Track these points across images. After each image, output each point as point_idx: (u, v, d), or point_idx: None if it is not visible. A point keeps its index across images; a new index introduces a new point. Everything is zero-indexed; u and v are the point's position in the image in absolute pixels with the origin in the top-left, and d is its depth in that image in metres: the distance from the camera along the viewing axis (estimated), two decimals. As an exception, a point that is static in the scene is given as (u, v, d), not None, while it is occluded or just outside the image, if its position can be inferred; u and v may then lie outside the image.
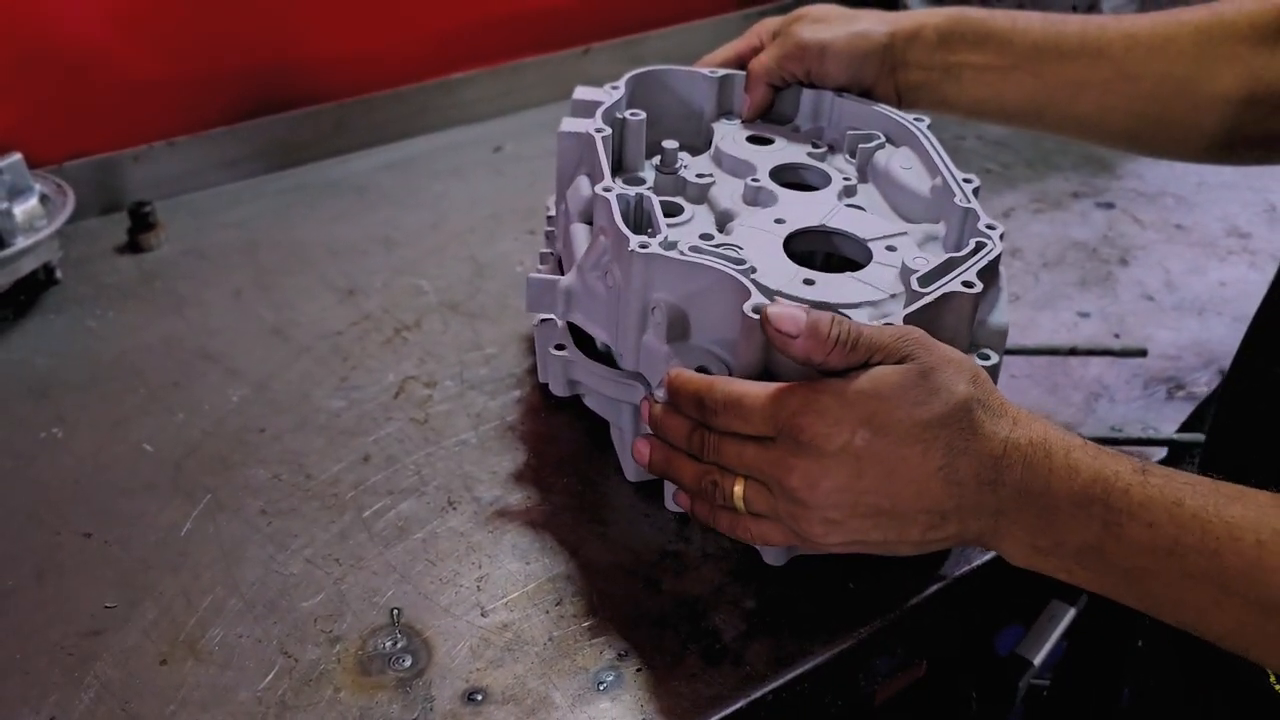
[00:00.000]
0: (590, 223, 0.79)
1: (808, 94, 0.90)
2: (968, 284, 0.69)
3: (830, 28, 0.87)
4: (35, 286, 1.00)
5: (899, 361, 0.62)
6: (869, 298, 0.70)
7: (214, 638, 0.69)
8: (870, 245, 0.75)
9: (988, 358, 0.71)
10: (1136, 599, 0.59)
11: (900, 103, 0.89)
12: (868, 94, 0.89)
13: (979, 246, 0.72)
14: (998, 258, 0.72)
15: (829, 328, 0.61)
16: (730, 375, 0.68)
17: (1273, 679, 0.63)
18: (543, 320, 0.81)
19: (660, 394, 0.70)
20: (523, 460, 0.83)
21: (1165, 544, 0.56)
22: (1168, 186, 1.22)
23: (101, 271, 1.04)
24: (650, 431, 0.71)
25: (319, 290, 1.02)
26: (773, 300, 0.67)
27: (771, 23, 0.92)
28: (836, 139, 0.89)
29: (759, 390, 0.63)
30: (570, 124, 0.85)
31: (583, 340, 0.80)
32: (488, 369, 0.92)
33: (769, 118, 0.92)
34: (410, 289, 1.02)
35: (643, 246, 0.69)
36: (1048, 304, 1.03)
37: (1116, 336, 1.00)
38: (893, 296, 0.70)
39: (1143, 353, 0.94)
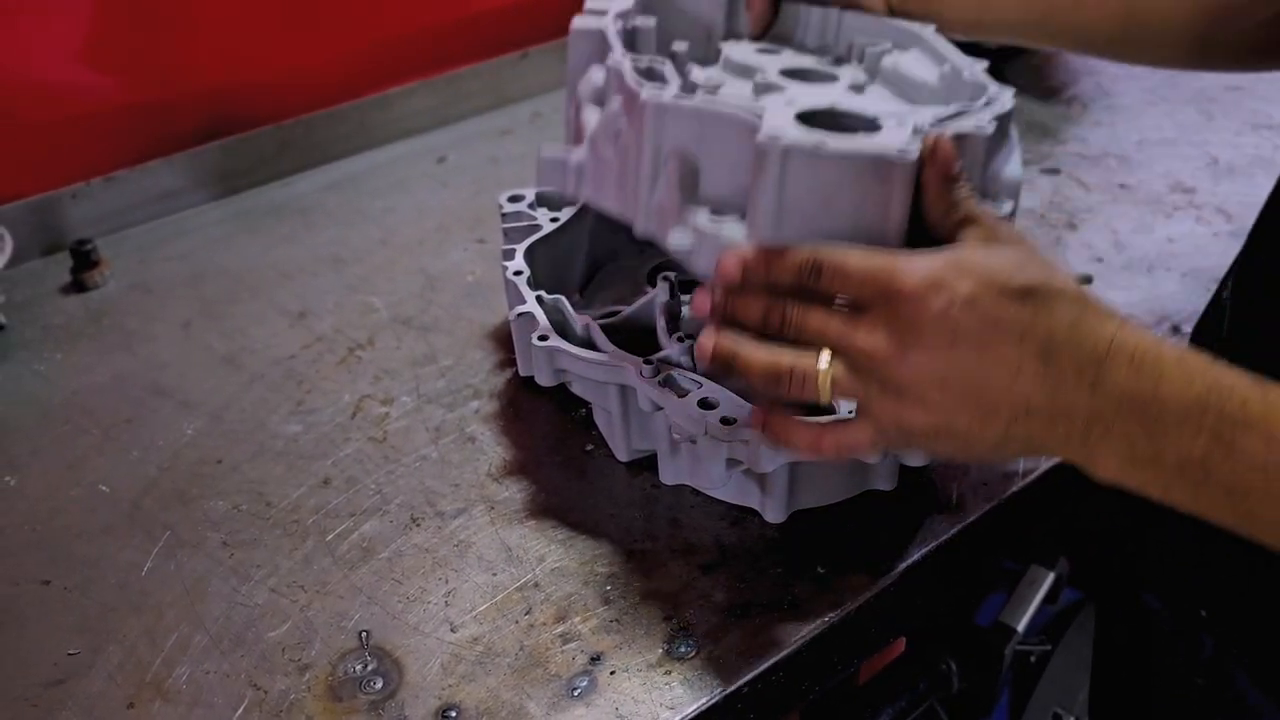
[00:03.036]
0: (603, 104, 0.76)
1: (813, 11, 0.87)
2: (979, 126, 0.66)
3: None
4: (-21, 334, 0.99)
5: (994, 246, 0.60)
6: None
7: (180, 676, 0.68)
8: (879, 121, 0.72)
9: (1003, 205, 0.69)
10: (1235, 519, 0.55)
11: (889, 11, 0.86)
12: (853, 5, 0.87)
13: (989, 101, 0.70)
14: (1009, 114, 0.70)
15: (951, 158, 0.61)
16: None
17: None
18: (519, 315, 0.81)
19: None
20: (484, 471, 0.83)
21: (1278, 461, 0.52)
22: (1110, 148, 1.23)
23: (47, 313, 1.03)
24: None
25: (269, 315, 1.01)
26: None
27: None
28: (844, 52, 0.87)
29: (860, 252, 0.60)
30: (582, 21, 0.81)
31: (560, 329, 0.80)
32: (444, 381, 0.92)
33: (776, 38, 0.90)
34: (362, 307, 1.01)
35: (655, 96, 0.67)
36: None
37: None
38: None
39: (1088, 280, 0.95)
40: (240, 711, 0.66)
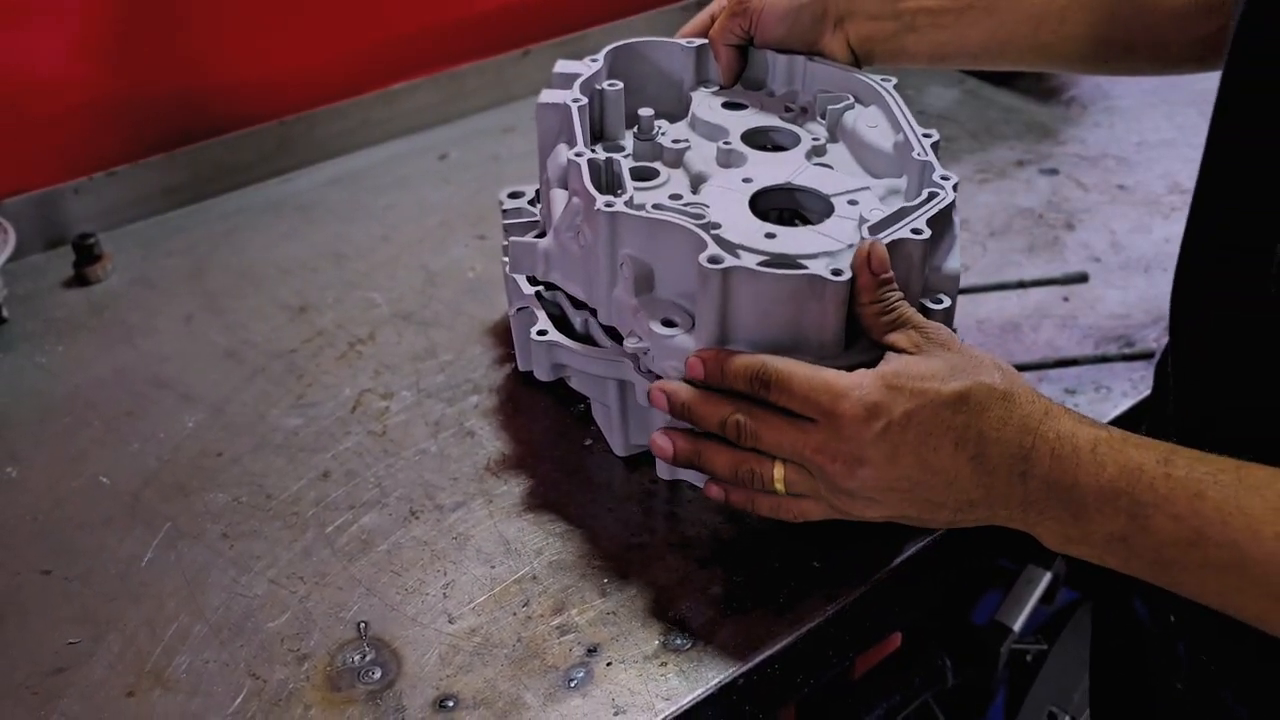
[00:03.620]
0: (567, 187, 0.81)
1: (780, 58, 0.91)
2: (916, 231, 0.70)
3: None
4: (-18, 326, 0.99)
5: (924, 351, 0.64)
6: (827, 249, 0.71)
7: (180, 665, 0.69)
8: (833, 200, 0.77)
9: (941, 302, 0.73)
10: (1166, 584, 0.59)
11: (855, 59, 0.88)
12: (816, 53, 0.89)
13: (931, 196, 0.74)
14: (950, 206, 0.74)
15: (884, 264, 0.66)
16: (694, 325, 0.70)
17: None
18: (519, 310, 0.82)
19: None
20: (482, 465, 0.83)
21: (1188, 536, 0.56)
22: (1109, 149, 1.23)
23: (49, 306, 1.03)
24: (662, 419, 0.72)
25: (270, 310, 1.01)
26: (735, 254, 0.69)
27: None
28: (809, 102, 0.90)
29: (805, 369, 0.65)
30: (549, 95, 0.86)
31: (559, 324, 0.81)
32: (444, 376, 0.92)
33: (746, 83, 0.93)
34: (363, 302, 1.02)
35: (608, 205, 0.72)
36: (996, 272, 1.04)
37: (1065, 300, 1.01)
38: (849, 247, 0.72)
39: (1084, 278, 0.96)
40: (239, 700, 0.67)
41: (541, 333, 0.80)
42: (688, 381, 0.70)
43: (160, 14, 1.14)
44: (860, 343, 0.69)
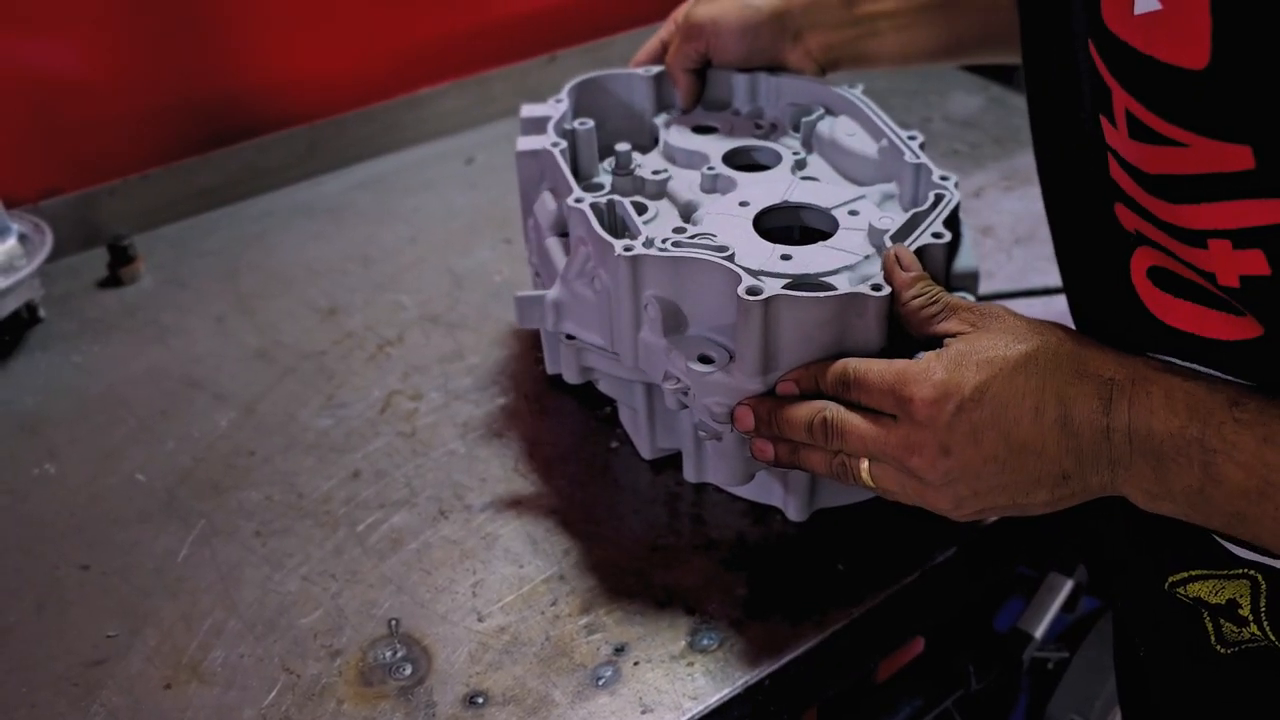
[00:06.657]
0: (564, 235, 0.81)
1: (740, 76, 0.91)
2: (937, 235, 0.71)
3: (722, 4, 0.88)
4: (19, 326, 1.01)
5: (981, 326, 0.63)
6: (845, 263, 0.72)
7: (216, 659, 0.70)
8: (834, 213, 0.77)
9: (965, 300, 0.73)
10: (1248, 538, 0.56)
11: (819, 70, 0.89)
12: (780, 67, 0.90)
13: (938, 199, 0.74)
14: (957, 206, 0.75)
15: (914, 262, 0.67)
16: (730, 360, 0.70)
17: (1213, 639, 0.62)
18: None
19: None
20: (510, 466, 0.84)
21: (1257, 486, 0.52)
22: (1134, 156, 1.24)
23: (84, 307, 1.05)
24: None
25: (300, 311, 1.03)
26: (757, 279, 0.69)
27: (681, 8, 0.93)
28: (777, 117, 0.91)
29: (880, 363, 0.64)
30: (526, 143, 0.87)
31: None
32: (471, 378, 0.93)
33: (707, 104, 0.93)
34: (391, 304, 1.03)
35: (627, 249, 0.71)
36: (1022, 279, 1.04)
37: (1090, 307, 1.01)
38: (867, 258, 0.72)
39: None
40: (274, 694, 0.68)
41: (570, 336, 0.81)
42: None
43: (193, 21, 1.16)
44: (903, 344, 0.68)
